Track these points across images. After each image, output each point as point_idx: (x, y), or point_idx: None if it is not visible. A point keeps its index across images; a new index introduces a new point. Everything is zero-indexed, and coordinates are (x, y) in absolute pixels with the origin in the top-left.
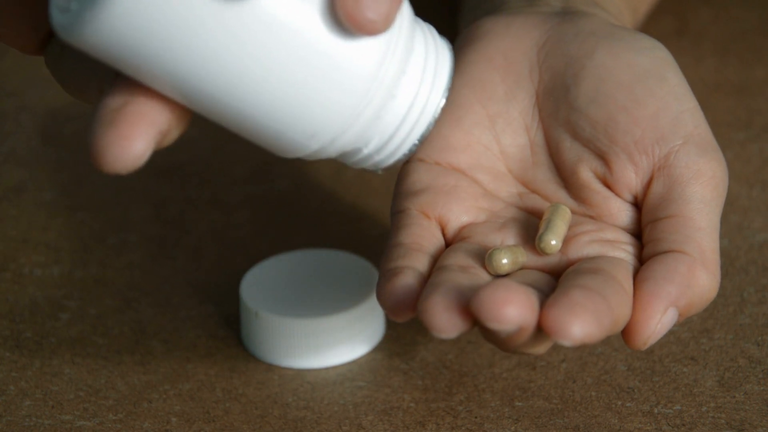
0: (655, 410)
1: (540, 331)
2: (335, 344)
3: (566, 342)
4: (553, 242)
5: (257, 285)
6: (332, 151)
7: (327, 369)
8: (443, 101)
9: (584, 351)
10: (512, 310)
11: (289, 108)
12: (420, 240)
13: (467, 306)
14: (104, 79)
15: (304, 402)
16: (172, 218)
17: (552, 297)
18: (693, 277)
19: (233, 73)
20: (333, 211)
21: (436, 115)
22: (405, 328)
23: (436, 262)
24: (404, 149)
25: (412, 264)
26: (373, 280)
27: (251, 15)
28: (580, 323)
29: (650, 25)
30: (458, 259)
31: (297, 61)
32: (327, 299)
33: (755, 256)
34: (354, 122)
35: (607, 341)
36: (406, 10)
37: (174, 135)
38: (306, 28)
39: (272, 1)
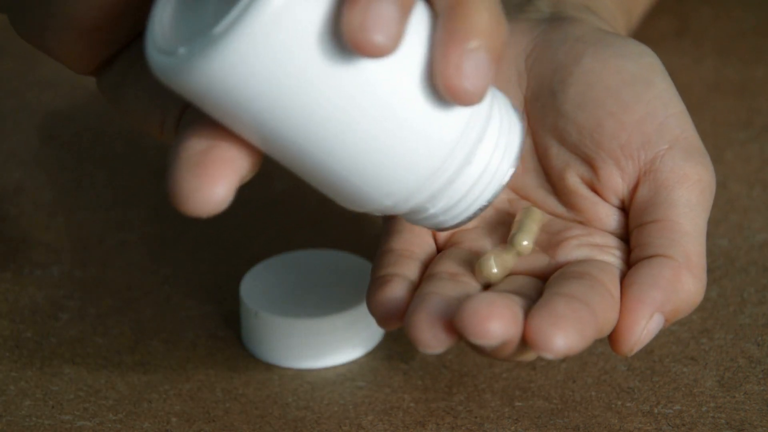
0: (655, 410)
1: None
2: (335, 344)
3: (549, 355)
4: (525, 242)
5: (257, 285)
6: (401, 209)
7: (327, 369)
8: (512, 170)
9: (584, 351)
10: (495, 325)
11: (371, 168)
12: (411, 246)
13: (452, 321)
14: (168, 112)
15: (304, 402)
16: (172, 218)
17: (535, 307)
18: (678, 281)
19: (326, 133)
20: (333, 211)
21: (504, 183)
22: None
23: (427, 267)
24: (469, 212)
25: (402, 272)
26: None
27: (355, 81)
28: (563, 335)
29: (650, 25)
30: (448, 266)
31: (387, 126)
32: (327, 299)
33: (755, 256)
34: (430, 185)
35: (607, 341)
36: None
37: (248, 178)
38: (401, 96)
39: (375, 70)
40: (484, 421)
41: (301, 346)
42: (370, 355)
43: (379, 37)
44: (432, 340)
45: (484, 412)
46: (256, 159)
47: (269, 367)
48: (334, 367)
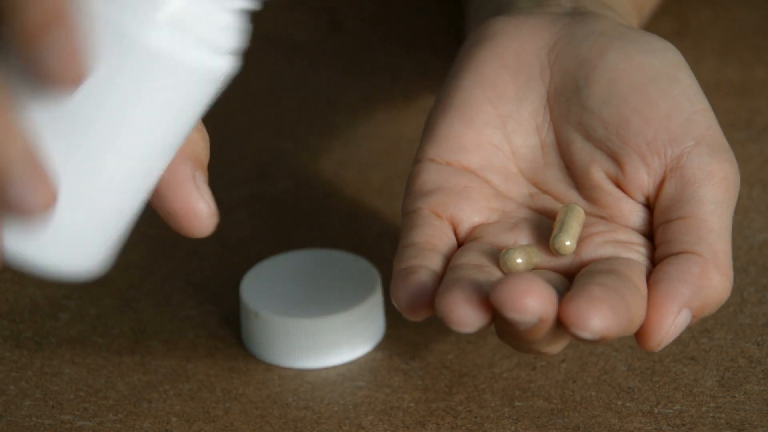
0: (655, 410)
1: (557, 326)
2: (335, 344)
3: (586, 334)
4: (568, 243)
5: (257, 285)
6: None
7: (327, 369)
8: None
9: (584, 351)
10: (533, 300)
11: None
12: (432, 240)
13: (486, 299)
14: None
15: (304, 402)
16: None
17: (570, 292)
18: (706, 278)
19: None
20: (333, 211)
21: None
22: (405, 328)
23: (449, 261)
24: None
25: (426, 263)
26: (373, 280)
27: None
28: (600, 316)
29: (650, 25)
30: (472, 258)
31: None
32: (327, 299)
33: (755, 256)
34: None
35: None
36: None
37: None
38: None
39: None
40: (484, 421)
41: (301, 346)
42: (370, 355)
43: None
44: (466, 317)
45: (484, 412)
46: None
47: (269, 367)
48: (334, 367)
